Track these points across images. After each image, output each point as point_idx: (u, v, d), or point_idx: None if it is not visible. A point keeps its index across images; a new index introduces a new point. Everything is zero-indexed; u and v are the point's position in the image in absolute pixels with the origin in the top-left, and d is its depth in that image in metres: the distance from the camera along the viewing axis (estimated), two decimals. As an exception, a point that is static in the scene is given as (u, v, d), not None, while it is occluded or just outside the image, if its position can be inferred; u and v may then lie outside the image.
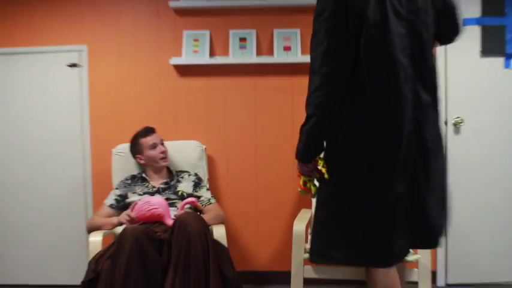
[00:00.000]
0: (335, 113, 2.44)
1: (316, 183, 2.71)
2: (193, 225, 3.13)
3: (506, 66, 4.24)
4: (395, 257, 2.56)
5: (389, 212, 2.52)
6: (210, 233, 3.28)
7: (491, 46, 4.22)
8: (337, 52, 2.40)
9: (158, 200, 3.44)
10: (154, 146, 3.84)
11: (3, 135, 4.45)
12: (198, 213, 3.59)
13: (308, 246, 3.40)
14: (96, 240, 3.43)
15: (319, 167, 2.59)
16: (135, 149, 3.91)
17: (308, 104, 2.45)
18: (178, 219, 3.18)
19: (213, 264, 3.09)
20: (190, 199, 3.55)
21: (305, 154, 2.60)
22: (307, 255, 3.45)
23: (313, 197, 2.83)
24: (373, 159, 2.50)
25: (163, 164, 3.88)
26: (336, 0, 2.38)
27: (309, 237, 3.02)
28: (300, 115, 3.04)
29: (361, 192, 2.54)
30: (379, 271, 2.65)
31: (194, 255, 3.05)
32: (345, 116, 2.48)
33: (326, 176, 2.55)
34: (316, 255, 2.69)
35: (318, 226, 2.66)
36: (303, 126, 2.52)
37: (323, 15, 2.40)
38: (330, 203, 2.60)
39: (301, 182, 2.74)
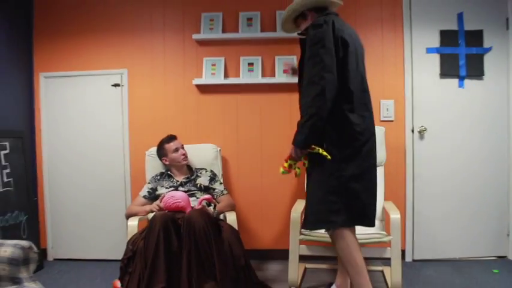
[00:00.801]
0: (328, 113, 2.63)
1: (298, 166, 2.89)
2: (198, 220, 3.17)
3: (460, 85, 4.19)
4: (372, 219, 2.85)
5: (373, 185, 2.85)
6: (218, 223, 3.33)
7: (448, 70, 4.18)
8: (331, 68, 2.62)
9: (181, 194, 3.47)
10: (176, 150, 3.86)
11: (63, 138, 4.42)
12: (213, 205, 3.60)
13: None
14: (133, 224, 3.45)
15: (320, 152, 2.70)
16: (161, 152, 3.92)
17: (310, 106, 2.63)
18: (186, 217, 3.23)
19: (216, 247, 3.14)
20: (206, 196, 3.56)
21: (306, 142, 2.72)
22: (302, 237, 3.44)
23: (296, 176, 2.94)
24: (361, 145, 2.73)
25: (184, 162, 3.89)
26: (328, 32, 2.65)
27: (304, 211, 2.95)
28: (296, 124, 3.00)
29: (353, 170, 2.72)
30: (352, 234, 2.82)
31: (200, 242, 3.12)
32: (336, 114, 2.68)
33: (329, 157, 2.69)
34: (319, 222, 2.81)
35: (319, 198, 2.77)
36: (304, 122, 2.67)
37: (320, 43, 2.63)
38: (331, 179, 2.71)
39: (286, 165, 2.86)
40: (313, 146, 2.73)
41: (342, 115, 2.72)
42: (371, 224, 2.84)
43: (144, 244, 3.17)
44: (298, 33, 3.02)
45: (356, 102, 2.74)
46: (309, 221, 2.84)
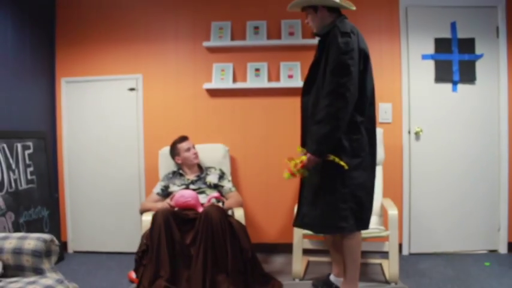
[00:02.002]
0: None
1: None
2: (215, 215, 3.19)
3: (454, 90, 4.17)
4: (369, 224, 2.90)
5: (372, 192, 2.87)
6: (228, 219, 3.30)
7: (442, 75, 4.16)
8: (356, 81, 2.61)
9: (190, 193, 3.47)
10: (188, 149, 3.84)
11: (83, 138, 4.42)
12: (221, 202, 3.59)
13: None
14: (147, 219, 3.43)
15: (335, 161, 2.67)
16: (174, 152, 3.91)
17: (334, 118, 2.59)
18: (204, 211, 3.24)
19: (230, 241, 3.17)
20: (215, 194, 3.59)
21: (326, 152, 2.68)
22: (305, 231, 3.41)
23: (303, 178, 2.91)
24: (366, 155, 2.78)
25: (195, 161, 3.88)
26: (356, 44, 2.63)
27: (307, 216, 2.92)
28: (299, 125, 3.01)
29: (360, 179, 2.76)
30: (359, 236, 2.90)
31: (216, 236, 3.14)
32: (350, 125, 2.69)
33: (346, 167, 2.67)
34: (327, 228, 2.85)
35: (329, 204, 2.76)
36: (326, 132, 2.62)
37: (349, 53, 2.58)
38: (343, 187, 2.73)
39: (295, 172, 2.77)
40: (329, 154, 2.69)
41: (355, 127, 2.72)
42: (367, 227, 2.89)
43: (149, 235, 3.23)
44: (315, 34, 2.95)
45: (366, 116, 2.77)
46: (315, 225, 2.86)
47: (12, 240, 2.41)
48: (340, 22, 2.73)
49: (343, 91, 2.56)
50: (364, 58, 2.72)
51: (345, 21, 2.75)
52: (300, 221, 2.95)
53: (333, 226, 2.79)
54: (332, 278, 3.25)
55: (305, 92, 2.95)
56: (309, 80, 2.90)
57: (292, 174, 2.78)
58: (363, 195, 2.79)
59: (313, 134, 2.69)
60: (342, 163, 2.66)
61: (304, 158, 2.75)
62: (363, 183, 2.78)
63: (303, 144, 2.93)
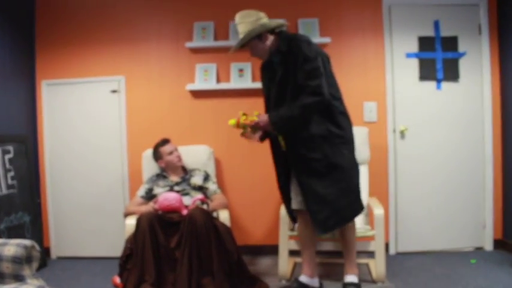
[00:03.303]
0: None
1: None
2: (200, 218, 3.19)
3: (438, 88, 4.20)
4: None
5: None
6: (213, 222, 3.29)
7: (426, 73, 4.19)
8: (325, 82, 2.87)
9: (174, 196, 3.44)
10: (171, 153, 3.82)
11: (65, 142, 4.38)
12: (206, 205, 3.57)
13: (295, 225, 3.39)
14: (131, 223, 3.43)
15: (279, 140, 3.05)
16: (156, 155, 3.89)
17: (308, 109, 2.84)
18: (188, 214, 3.24)
19: (215, 244, 3.17)
20: (199, 196, 3.57)
21: (282, 130, 2.97)
22: (290, 232, 3.46)
23: (242, 135, 3.13)
24: (352, 142, 3.05)
25: (179, 164, 3.85)
26: (318, 50, 2.94)
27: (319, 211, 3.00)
28: None
29: (357, 168, 3.10)
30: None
31: (201, 238, 3.13)
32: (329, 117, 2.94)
33: (284, 148, 3.03)
34: (343, 221, 3.03)
35: (348, 200, 2.97)
36: (297, 115, 2.86)
37: (318, 58, 2.86)
38: (355, 182, 3.04)
39: (241, 123, 3.03)
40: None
41: (336, 117, 2.99)
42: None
43: (134, 239, 3.21)
44: (268, 58, 3.13)
45: (341, 111, 3.05)
46: (345, 218, 3.04)
47: (-9, 246, 2.36)
48: (292, 35, 3.03)
49: (319, 91, 2.81)
50: (327, 61, 3.02)
51: (292, 33, 3.09)
52: (324, 227, 2.97)
53: (347, 219, 3.06)
54: (305, 279, 3.18)
55: (276, 104, 3.05)
56: (279, 96, 3.01)
57: (237, 125, 3.03)
58: (358, 181, 3.11)
59: (281, 110, 2.93)
60: (282, 143, 3.02)
61: (255, 118, 3.00)
62: (357, 168, 3.12)
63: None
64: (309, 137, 2.91)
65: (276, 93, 3.02)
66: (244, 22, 2.98)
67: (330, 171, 2.92)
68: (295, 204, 3.10)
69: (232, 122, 3.03)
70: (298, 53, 2.85)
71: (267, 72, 3.17)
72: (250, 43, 3.04)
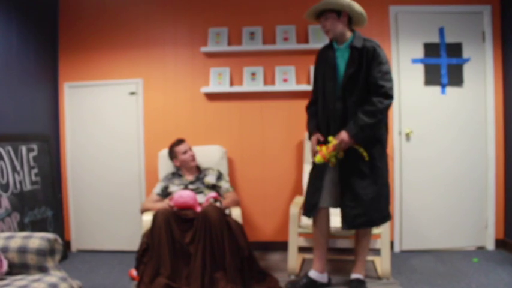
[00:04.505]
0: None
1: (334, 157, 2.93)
2: (213, 215, 3.20)
3: (442, 92, 4.19)
4: None
5: None
6: (226, 218, 3.29)
7: (431, 78, 4.18)
8: None
9: (188, 193, 3.46)
10: (185, 152, 3.83)
11: (85, 141, 4.42)
12: (219, 202, 3.58)
13: (304, 222, 3.39)
14: (147, 219, 3.45)
15: (360, 151, 2.89)
16: (172, 155, 3.90)
17: (380, 113, 2.86)
18: (202, 211, 3.25)
19: (227, 239, 3.17)
20: (212, 194, 3.57)
21: (363, 140, 2.89)
22: (300, 229, 3.47)
23: (332, 165, 2.96)
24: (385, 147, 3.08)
25: (193, 164, 3.86)
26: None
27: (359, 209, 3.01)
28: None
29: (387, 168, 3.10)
30: None
31: (214, 234, 3.15)
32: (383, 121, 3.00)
33: (367, 158, 2.89)
34: (372, 223, 3.03)
35: (386, 199, 3.06)
36: (371, 124, 2.85)
37: (388, 62, 2.95)
38: (387, 182, 3.08)
39: (327, 155, 2.85)
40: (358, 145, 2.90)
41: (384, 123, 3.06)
42: None
43: (150, 234, 3.24)
44: (332, 40, 3.07)
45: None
46: (374, 220, 3.02)
47: (17, 239, 2.42)
48: (364, 36, 3.04)
49: (392, 94, 2.89)
50: None
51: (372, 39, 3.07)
52: (351, 223, 2.99)
53: (387, 216, 3.07)
54: (314, 274, 3.16)
55: (347, 92, 2.98)
56: (349, 84, 2.97)
57: (324, 159, 2.87)
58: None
59: (359, 120, 2.86)
60: (365, 154, 2.88)
61: (335, 141, 2.87)
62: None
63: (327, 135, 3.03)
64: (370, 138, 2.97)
65: (342, 88, 2.97)
66: None
67: (372, 173, 2.94)
68: (325, 203, 3.05)
69: (319, 159, 2.86)
70: (374, 54, 2.90)
71: (325, 61, 3.09)
72: (327, 14, 2.95)
